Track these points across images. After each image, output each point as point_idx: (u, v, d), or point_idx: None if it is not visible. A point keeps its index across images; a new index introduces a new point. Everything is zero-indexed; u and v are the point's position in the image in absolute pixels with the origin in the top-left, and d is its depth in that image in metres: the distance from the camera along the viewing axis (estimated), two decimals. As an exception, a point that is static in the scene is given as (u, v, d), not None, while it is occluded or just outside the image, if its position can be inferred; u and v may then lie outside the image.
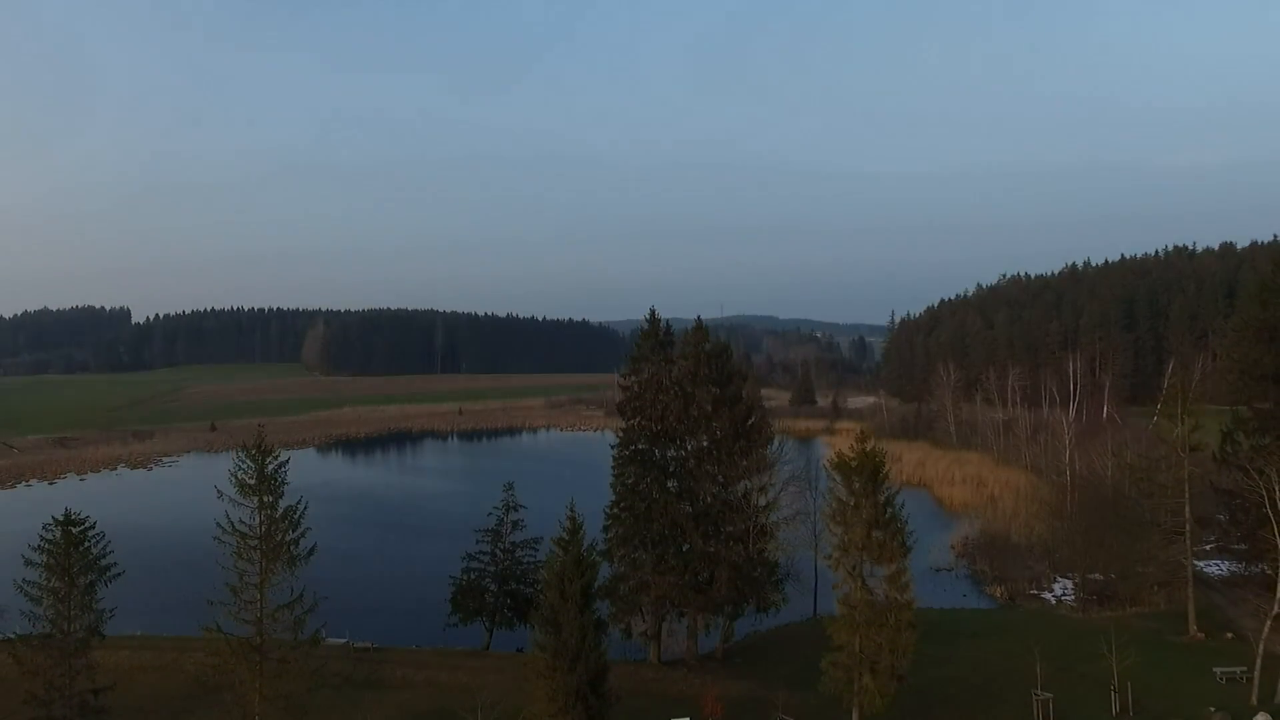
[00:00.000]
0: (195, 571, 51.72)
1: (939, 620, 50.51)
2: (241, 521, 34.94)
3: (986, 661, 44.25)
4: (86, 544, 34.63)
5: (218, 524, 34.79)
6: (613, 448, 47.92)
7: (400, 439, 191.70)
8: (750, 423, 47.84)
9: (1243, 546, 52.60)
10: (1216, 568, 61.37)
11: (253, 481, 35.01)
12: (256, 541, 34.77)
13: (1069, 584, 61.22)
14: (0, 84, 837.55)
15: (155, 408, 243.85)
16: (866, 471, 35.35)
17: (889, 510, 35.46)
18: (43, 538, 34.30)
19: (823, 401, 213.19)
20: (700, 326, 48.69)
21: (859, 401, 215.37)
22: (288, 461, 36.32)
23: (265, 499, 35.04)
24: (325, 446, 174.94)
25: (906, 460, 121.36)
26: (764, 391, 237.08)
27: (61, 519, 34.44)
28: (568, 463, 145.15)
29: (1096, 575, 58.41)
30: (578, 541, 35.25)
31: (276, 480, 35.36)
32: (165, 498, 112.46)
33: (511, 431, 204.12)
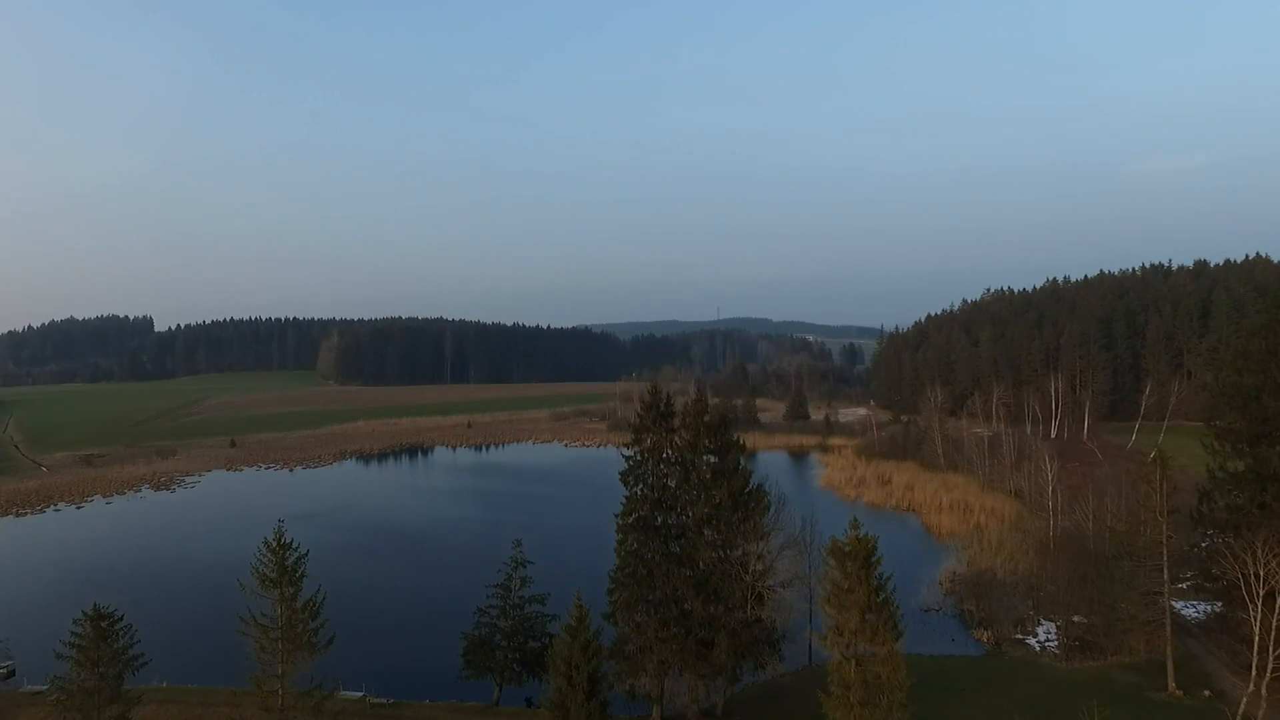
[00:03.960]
0: (216, 613, 53.22)
1: (928, 671, 52.05)
2: (263, 614, 36.55)
3: (974, 723, 46.08)
4: (114, 636, 36.24)
5: (240, 618, 36.42)
6: (616, 516, 49.54)
7: (412, 452, 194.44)
8: (748, 491, 49.52)
9: (1217, 586, 54.39)
10: (1193, 610, 63.46)
11: (274, 575, 36.63)
12: (278, 633, 36.40)
13: (1052, 627, 63.22)
14: (27, 95, 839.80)
15: (178, 421, 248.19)
16: (860, 557, 37.14)
17: (881, 595, 37.27)
18: (73, 632, 35.90)
19: (815, 415, 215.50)
20: (700, 398, 50.58)
21: (850, 414, 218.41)
22: (307, 554, 37.92)
23: (286, 591, 36.69)
24: (341, 461, 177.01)
25: (896, 483, 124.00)
26: (759, 402, 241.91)
27: (91, 613, 36.04)
28: (572, 483, 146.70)
29: (1078, 619, 60.37)
30: (585, 628, 37.06)
31: (296, 572, 36.97)
32: (185, 526, 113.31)
33: (518, 443, 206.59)
